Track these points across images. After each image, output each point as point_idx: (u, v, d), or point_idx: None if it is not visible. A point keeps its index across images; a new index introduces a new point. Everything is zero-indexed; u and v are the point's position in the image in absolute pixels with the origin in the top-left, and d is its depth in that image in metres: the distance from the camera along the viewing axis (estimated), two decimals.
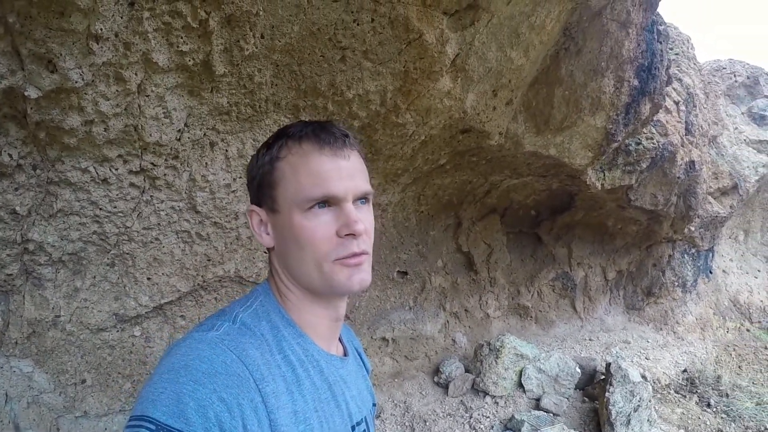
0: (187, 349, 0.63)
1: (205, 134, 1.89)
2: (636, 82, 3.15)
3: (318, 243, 0.71)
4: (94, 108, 1.57)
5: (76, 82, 1.48)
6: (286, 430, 0.64)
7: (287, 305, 0.77)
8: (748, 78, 6.90)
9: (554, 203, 4.71)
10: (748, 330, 6.63)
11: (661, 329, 5.97)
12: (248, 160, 0.80)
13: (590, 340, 5.23)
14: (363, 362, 0.96)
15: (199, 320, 2.31)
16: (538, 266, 5.18)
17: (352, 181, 0.72)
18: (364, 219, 0.73)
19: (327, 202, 0.71)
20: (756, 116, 6.70)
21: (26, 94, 1.45)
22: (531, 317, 5.08)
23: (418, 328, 3.89)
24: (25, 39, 1.37)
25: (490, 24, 2.08)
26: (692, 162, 4.59)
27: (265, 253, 1.85)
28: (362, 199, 0.75)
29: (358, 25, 1.80)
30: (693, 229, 5.49)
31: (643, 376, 3.61)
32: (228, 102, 1.84)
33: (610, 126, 3.22)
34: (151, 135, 1.73)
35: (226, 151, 1.99)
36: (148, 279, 2.07)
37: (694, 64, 5.39)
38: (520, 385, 3.73)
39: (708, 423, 3.92)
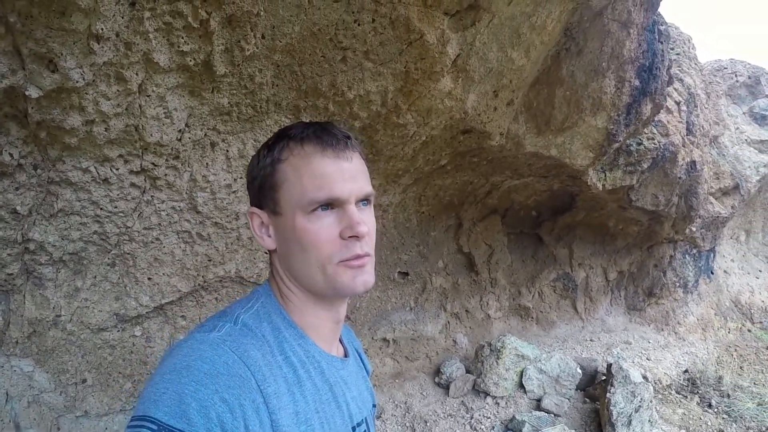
0: (189, 349, 0.63)
1: (205, 134, 1.89)
2: (637, 83, 3.14)
3: (321, 245, 0.71)
4: (94, 108, 1.57)
5: (77, 81, 1.48)
6: (287, 431, 0.64)
7: (289, 307, 0.77)
8: (749, 78, 6.89)
9: (555, 204, 4.71)
10: (749, 330, 6.62)
11: (662, 330, 5.97)
12: (249, 161, 0.79)
13: (591, 340, 5.23)
14: (363, 363, 0.96)
15: (200, 320, 2.31)
16: (539, 267, 5.18)
17: (355, 183, 0.72)
18: (367, 221, 0.73)
19: (330, 204, 0.71)
20: (757, 116, 6.69)
21: (27, 93, 1.45)
22: (532, 318, 5.08)
23: (418, 329, 3.89)
24: (26, 38, 1.37)
25: (491, 24, 2.08)
26: (693, 162, 4.58)
27: (266, 254, 1.85)
28: (364, 200, 0.75)
29: (359, 25, 1.80)
30: (694, 229, 5.48)
31: (645, 377, 3.61)
32: (229, 102, 1.84)
33: (611, 126, 3.21)
34: (151, 135, 1.73)
35: (227, 151, 1.99)
36: (149, 279, 2.07)
37: (696, 64, 5.38)
38: (521, 386, 3.72)
39: (709, 424, 3.91)
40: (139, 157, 1.78)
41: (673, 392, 4.53)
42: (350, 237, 0.71)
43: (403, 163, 2.70)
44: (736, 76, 6.93)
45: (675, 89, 4.60)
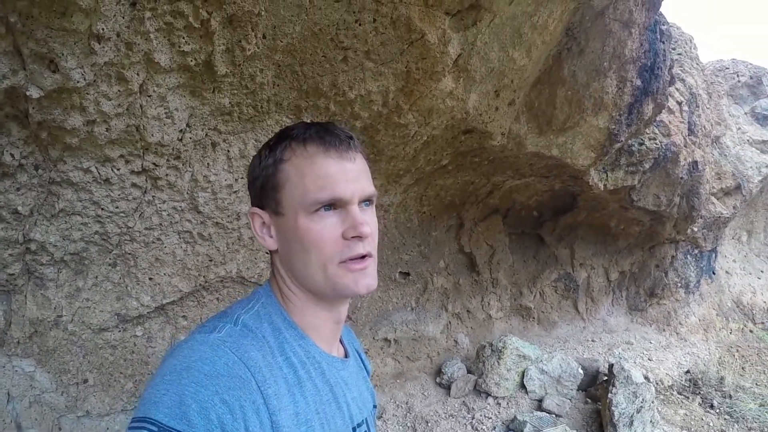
0: (189, 350, 0.63)
1: (206, 134, 1.89)
2: (639, 82, 3.14)
3: (323, 245, 0.70)
4: (95, 108, 1.57)
5: (78, 82, 1.48)
6: None
7: (289, 307, 0.77)
8: (751, 78, 6.87)
9: (557, 204, 4.70)
10: (751, 331, 6.61)
11: (663, 330, 5.95)
12: (250, 161, 0.79)
13: (593, 341, 5.22)
14: (363, 364, 0.96)
15: (201, 320, 2.31)
16: (541, 267, 5.17)
17: (358, 184, 0.72)
18: (369, 221, 0.73)
19: (333, 204, 0.71)
20: (759, 116, 6.68)
21: (28, 93, 1.45)
22: (533, 318, 5.07)
23: (420, 329, 3.89)
24: (26, 39, 1.37)
25: (493, 24, 2.08)
26: (695, 162, 4.57)
27: (267, 254, 1.85)
28: (367, 201, 0.75)
29: (360, 25, 1.80)
30: (696, 229, 5.47)
31: (646, 378, 3.60)
32: (230, 102, 1.84)
33: (613, 126, 3.21)
34: (152, 135, 1.73)
35: (228, 151, 1.99)
36: (150, 279, 2.07)
37: (697, 64, 5.37)
38: (523, 386, 3.72)
39: (711, 424, 3.90)
40: (140, 158, 1.78)
41: (675, 393, 4.52)
42: (353, 237, 0.70)
43: (405, 163, 2.70)
44: (737, 76, 6.91)
45: (677, 89, 4.59)
